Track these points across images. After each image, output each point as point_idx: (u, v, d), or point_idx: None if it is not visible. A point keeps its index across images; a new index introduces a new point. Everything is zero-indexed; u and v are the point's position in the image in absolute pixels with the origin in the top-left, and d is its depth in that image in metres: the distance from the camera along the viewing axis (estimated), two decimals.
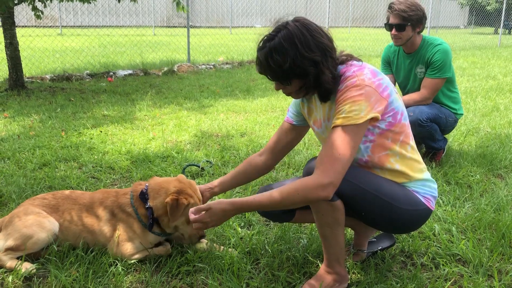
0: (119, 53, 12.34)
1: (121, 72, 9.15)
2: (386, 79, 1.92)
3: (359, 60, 1.97)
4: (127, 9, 24.50)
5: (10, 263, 2.27)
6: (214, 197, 2.70)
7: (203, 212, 1.92)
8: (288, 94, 2.01)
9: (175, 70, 9.67)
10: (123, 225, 2.40)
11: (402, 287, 2.13)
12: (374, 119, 1.84)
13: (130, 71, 9.28)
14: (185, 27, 10.78)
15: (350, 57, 1.98)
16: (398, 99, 1.95)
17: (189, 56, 10.64)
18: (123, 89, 7.57)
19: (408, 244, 2.55)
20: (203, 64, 10.52)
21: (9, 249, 2.30)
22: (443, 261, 2.39)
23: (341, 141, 1.78)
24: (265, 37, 1.89)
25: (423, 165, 2.07)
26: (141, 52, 12.69)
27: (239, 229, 2.68)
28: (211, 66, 10.46)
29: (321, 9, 22.40)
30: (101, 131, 4.93)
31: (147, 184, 2.42)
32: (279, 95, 7.13)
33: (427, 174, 2.07)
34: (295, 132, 2.31)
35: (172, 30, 24.03)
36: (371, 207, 1.93)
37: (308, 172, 2.03)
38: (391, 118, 1.91)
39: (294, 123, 2.29)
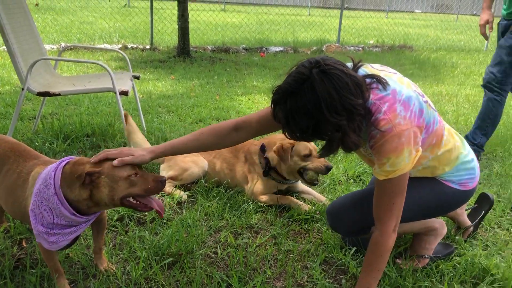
0: (274, 31, 13.01)
1: (273, 49, 9.76)
2: (417, 99, 1.75)
3: (385, 84, 1.72)
4: None
5: (169, 189, 2.86)
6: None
7: None
8: None
9: (324, 49, 9.97)
10: (252, 169, 2.89)
11: (506, 269, 2.18)
12: None
13: (281, 48, 9.84)
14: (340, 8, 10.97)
15: (375, 81, 1.73)
16: (428, 109, 1.80)
17: (339, 37, 10.82)
18: (272, 64, 8.13)
19: None
20: (352, 46, 10.64)
21: (170, 178, 2.89)
22: None
23: (392, 190, 1.76)
24: (286, 87, 1.61)
25: (456, 151, 1.98)
26: (294, 31, 13.21)
27: None
28: (360, 48, 10.52)
29: None
30: (249, 99, 5.49)
31: (262, 143, 2.89)
32: (426, 81, 7.01)
33: (461, 157, 2.00)
34: None
35: (327, 11, 24.19)
36: (416, 217, 2.11)
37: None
38: (424, 134, 1.80)
39: None
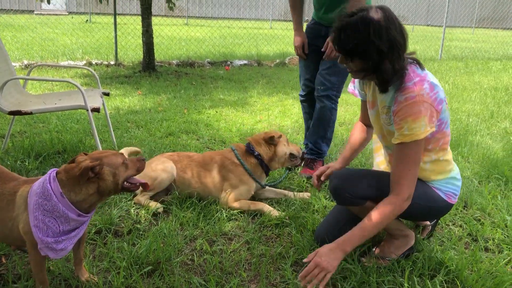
0: (237, 45, 13.24)
1: (237, 62, 9.95)
2: (441, 92, 2.06)
3: (423, 68, 2.09)
4: (248, 3, 25.76)
5: (144, 201, 2.95)
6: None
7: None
8: (349, 72, 2.15)
9: (286, 62, 10.24)
10: (230, 175, 3.03)
11: (459, 261, 2.39)
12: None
13: (245, 61, 10.05)
14: None
15: (415, 62, 2.10)
16: (446, 110, 2.10)
17: None
18: (238, 77, 8.32)
19: (477, 229, 2.79)
20: None
21: (143, 191, 2.99)
22: (508, 247, 2.60)
23: (408, 157, 2.02)
24: (348, 13, 2.01)
25: (451, 165, 2.27)
26: (257, 44, 13.47)
27: (324, 199, 3.11)
28: None
29: (442, 7, 21.50)
30: (216, 112, 5.64)
31: (248, 142, 3.14)
32: None
33: (453, 173, 2.27)
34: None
35: (288, 24, 24.67)
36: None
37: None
38: (436, 127, 2.07)
39: (361, 98, 2.52)
